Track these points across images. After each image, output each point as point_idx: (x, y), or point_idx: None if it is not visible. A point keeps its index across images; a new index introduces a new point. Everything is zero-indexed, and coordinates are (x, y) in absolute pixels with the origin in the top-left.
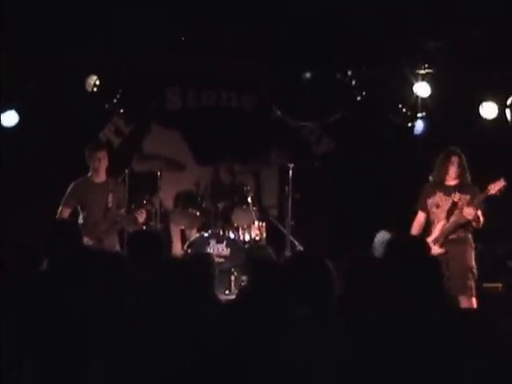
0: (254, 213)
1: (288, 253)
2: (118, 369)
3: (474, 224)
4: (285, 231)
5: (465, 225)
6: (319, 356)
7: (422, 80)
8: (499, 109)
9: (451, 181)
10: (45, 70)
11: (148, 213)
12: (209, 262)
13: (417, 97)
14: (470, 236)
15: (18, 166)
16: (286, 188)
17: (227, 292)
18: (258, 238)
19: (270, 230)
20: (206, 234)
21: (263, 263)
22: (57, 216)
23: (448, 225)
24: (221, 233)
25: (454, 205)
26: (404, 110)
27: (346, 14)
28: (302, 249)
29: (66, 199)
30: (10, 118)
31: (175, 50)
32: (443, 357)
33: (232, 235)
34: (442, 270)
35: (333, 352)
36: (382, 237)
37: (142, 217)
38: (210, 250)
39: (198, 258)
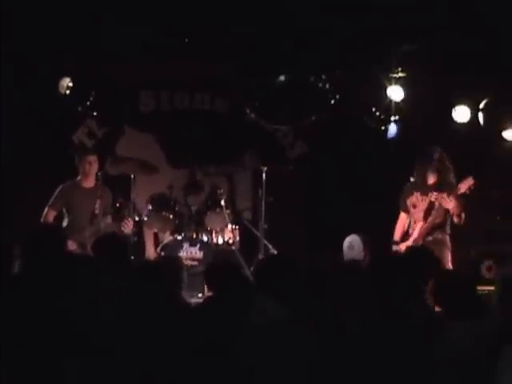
0: (227, 216)
1: (261, 256)
2: (92, 371)
3: (455, 220)
4: (258, 234)
5: (442, 225)
6: (292, 358)
7: (396, 84)
8: (472, 113)
9: (429, 180)
10: (18, 71)
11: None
12: (179, 266)
13: (390, 100)
14: (447, 237)
15: None
16: (260, 191)
17: (200, 295)
18: (231, 241)
19: (244, 233)
20: (179, 237)
21: (225, 266)
22: (42, 218)
23: (426, 225)
24: (194, 236)
25: (431, 204)
26: (377, 113)
27: (321, 17)
28: (275, 252)
29: (53, 201)
30: None
31: (148, 53)
32: (419, 358)
33: (205, 238)
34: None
35: (307, 353)
36: (349, 241)
37: (127, 226)
38: (183, 253)
39: (168, 262)
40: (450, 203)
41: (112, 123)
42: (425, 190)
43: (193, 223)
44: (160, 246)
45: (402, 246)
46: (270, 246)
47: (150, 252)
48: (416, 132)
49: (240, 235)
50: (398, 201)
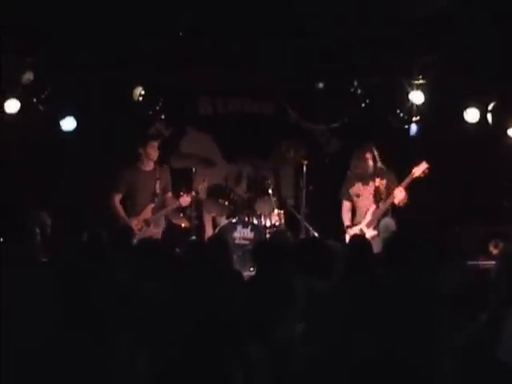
0: (274, 202)
1: (303, 235)
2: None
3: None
4: (300, 218)
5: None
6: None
7: (417, 89)
8: (481, 114)
9: (367, 170)
10: (99, 83)
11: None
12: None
13: (412, 103)
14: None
15: (76, 163)
16: (301, 181)
17: (251, 269)
18: (277, 224)
19: (288, 216)
20: (233, 220)
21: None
22: (110, 201)
23: (379, 210)
24: (246, 219)
25: (377, 189)
26: (401, 114)
27: (355, 35)
28: (314, 232)
29: (117, 186)
30: (69, 124)
31: (206, 65)
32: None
33: (255, 221)
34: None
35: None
36: (386, 223)
37: (185, 201)
38: (236, 233)
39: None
40: (402, 199)
41: (176, 125)
42: (365, 179)
43: (245, 208)
44: (217, 228)
45: (355, 230)
46: (310, 228)
47: (209, 233)
48: (433, 131)
49: (285, 218)
50: (340, 190)
